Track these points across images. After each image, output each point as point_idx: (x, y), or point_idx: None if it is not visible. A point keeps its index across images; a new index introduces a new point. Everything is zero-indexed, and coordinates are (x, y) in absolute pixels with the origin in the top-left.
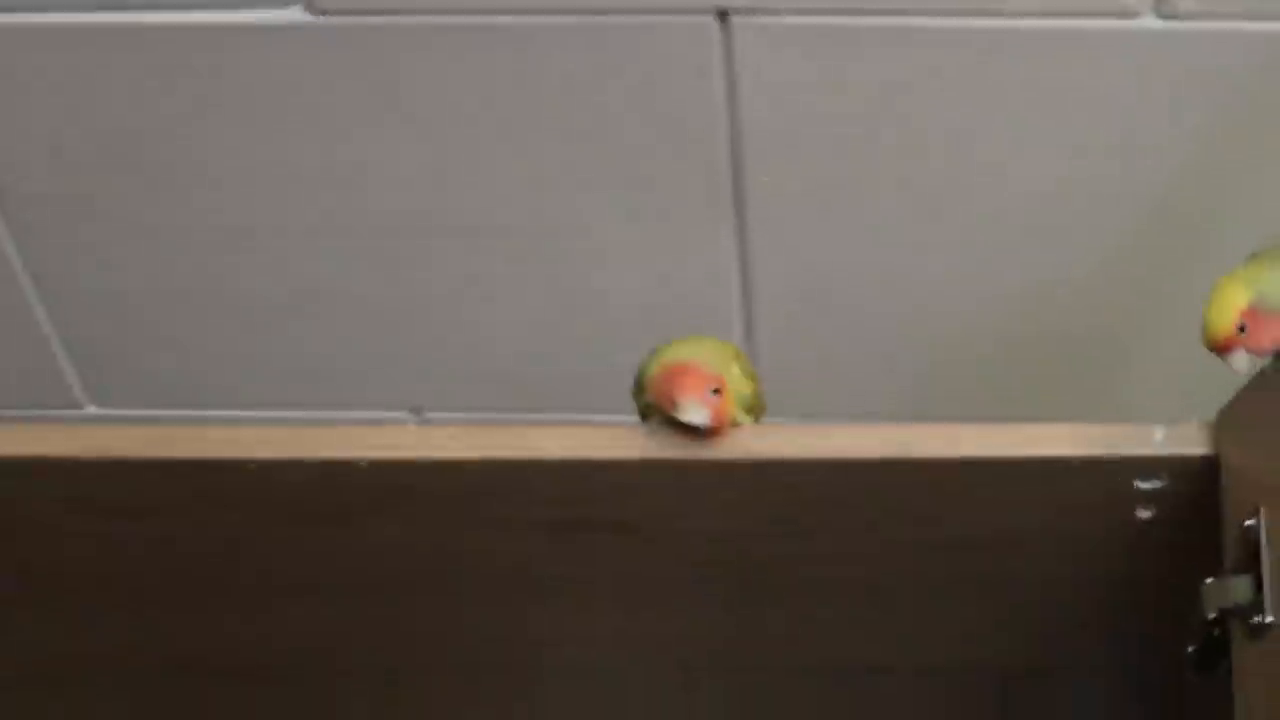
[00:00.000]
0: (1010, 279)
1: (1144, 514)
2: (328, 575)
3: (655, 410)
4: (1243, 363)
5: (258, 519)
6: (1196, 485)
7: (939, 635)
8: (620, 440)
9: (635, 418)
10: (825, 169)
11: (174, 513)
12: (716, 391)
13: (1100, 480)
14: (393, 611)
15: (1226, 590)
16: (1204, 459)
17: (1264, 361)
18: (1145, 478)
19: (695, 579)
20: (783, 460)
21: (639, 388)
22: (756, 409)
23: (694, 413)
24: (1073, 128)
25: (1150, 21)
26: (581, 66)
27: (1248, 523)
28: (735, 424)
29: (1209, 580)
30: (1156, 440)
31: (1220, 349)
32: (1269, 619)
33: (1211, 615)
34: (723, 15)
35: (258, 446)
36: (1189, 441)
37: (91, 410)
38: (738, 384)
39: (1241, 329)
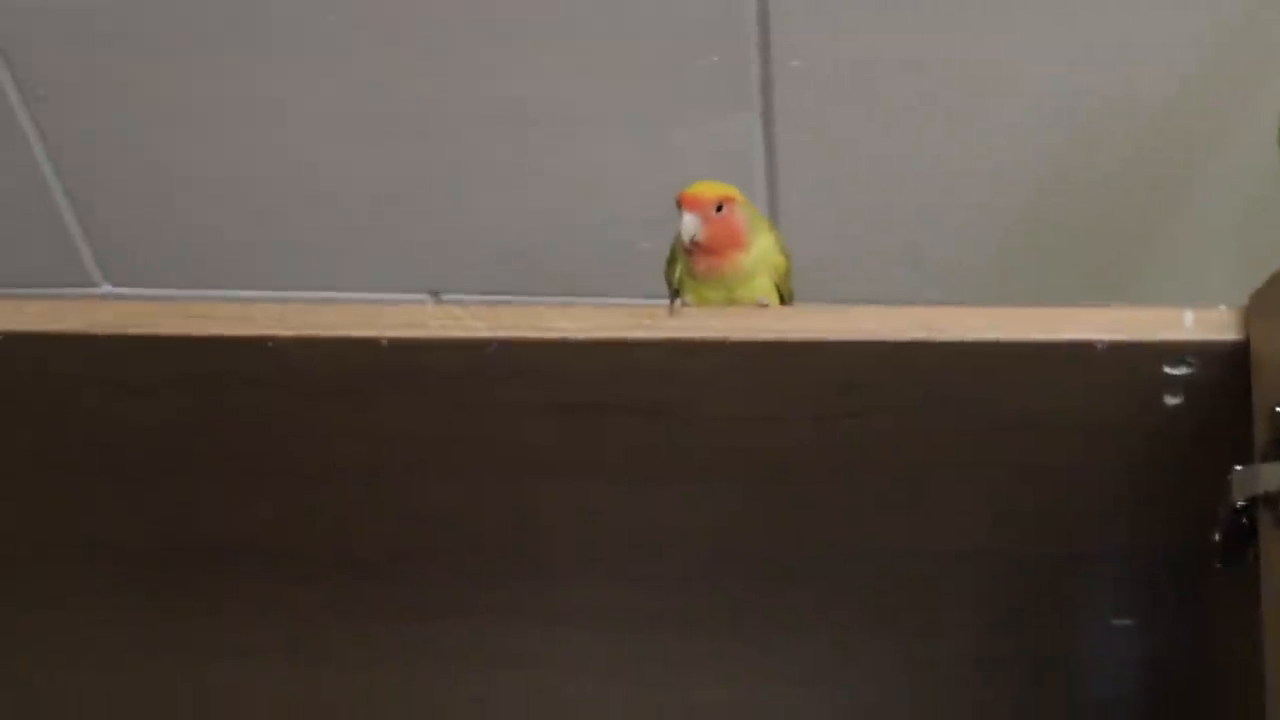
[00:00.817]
0: (1038, 164)
1: (1172, 400)
2: (343, 456)
3: (683, 283)
4: None
5: (274, 398)
6: (1226, 371)
7: (965, 521)
8: (644, 321)
9: (655, 301)
10: (852, 56)
11: (190, 391)
12: (720, 209)
13: (1128, 365)
14: (409, 493)
15: (1255, 478)
16: (1234, 344)
17: None
18: (1174, 363)
19: (719, 464)
20: (809, 342)
21: (671, 262)
22: (786, 291)
23: (688, 225)
24: (1102, 10)
25: None
26: None
27: (1278, 409)
28: (766, 298)
29: (1237, 468)
30: (1186, 325)
31: None
32: None
33: (1239, 503)
34: None
35: (276, 324)
36: (1219, 326)
37: (106, 289)
38: (770, 254)
39: None
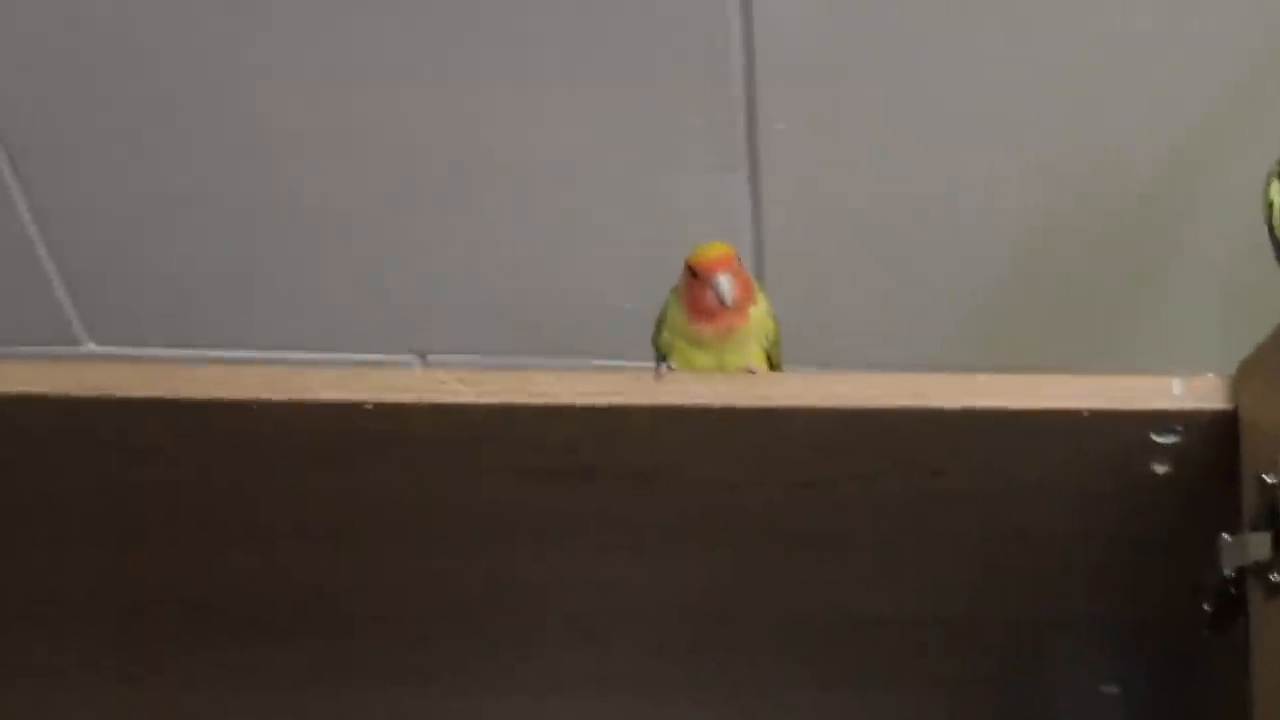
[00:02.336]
0: (1026, 229)
1: (1160, 469)
2: (326, 519)
3: (673, 348)
4: None
5: (258, 461)
6: (1214, 440)
7: (951, 587)
8: (631, 386)
9: (642, 364)
10: (838, 116)
11: (173, 453)
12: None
13: (1115, 434)
14: (392, 557)
15: (1244, 548)
16: (1222, 413)
17: None
18: (1162, 432)
19: (704, 527)
20: (797, 408)
21: (659, 328)
22: (775, 357)
23: (727, 287)
24: (1094, 65)
25: None
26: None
27: (1266, 478)
28: (754, 364)
29: (1225, 537)
30: (1174, 393)
31: None
32: None
33: (1228, 573)
34: None
35: (261, 387)
36: (1207, 395)
37: (90, 347)
38: (763, 320)
39: None
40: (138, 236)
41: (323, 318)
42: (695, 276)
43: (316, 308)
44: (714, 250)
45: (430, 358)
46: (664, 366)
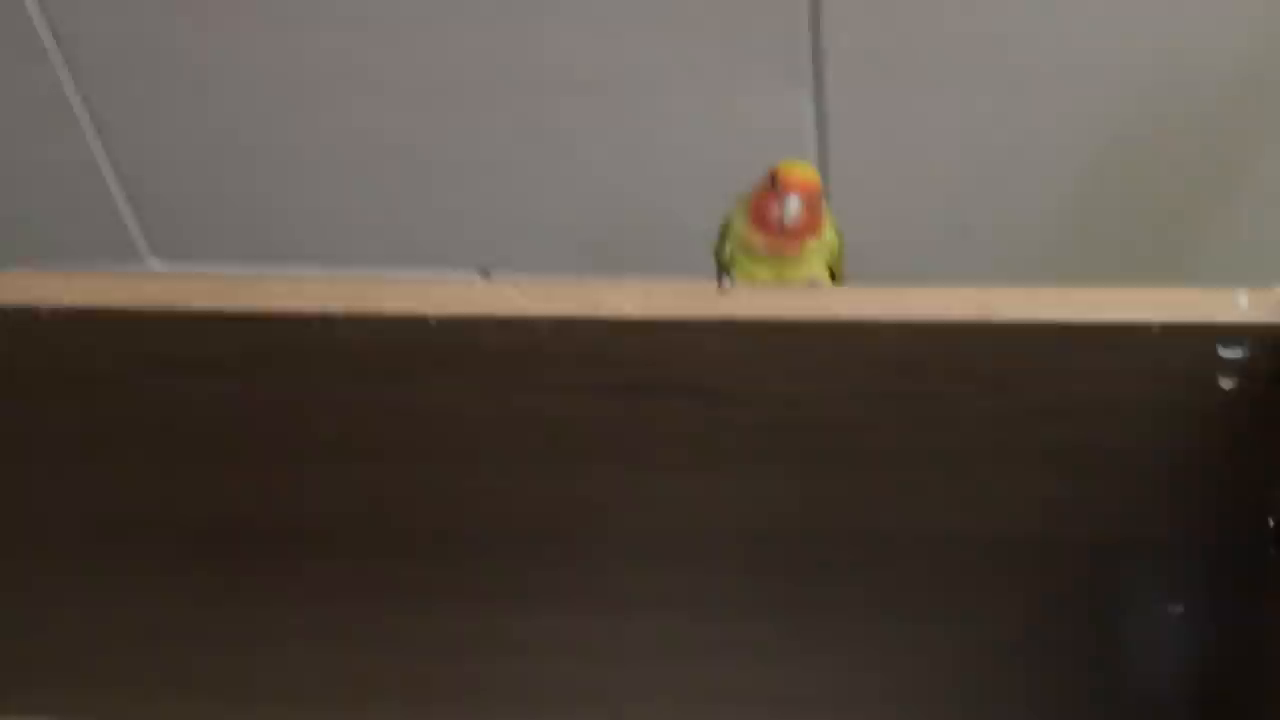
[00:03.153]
0: (1093, 140)
1: (1226, 383)
2: (390, 436)
3: (734, 261)
4: None
5: (320, 375)
6: None
7: (1015, 506)
8: (696, 300)
9: (707, 281)
10: (903, 31)
11: (236, 367)
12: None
13: (1181, 347)
14: (454, 474)
15: None
16: None
17: None
18: (1228, 345)
19: (768, 445)
20: (862, 321)
21: (722, 239)
22: (837, 271)
23: (793, 208)
24: None
25: None
26: None
27: None
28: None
29: None
30: (1240, 306)
31: None
32: None
33: None
34: None
35: (323, 300)
36: (1273, 308)
37: (154, 264)
38: (826, 235)
39: None
40: (200, 152)
41: (388, 233)
42: (772, 185)
43: (382, 222)
44: (802, 170)
45: (494, 274)
46: (726, 281)
